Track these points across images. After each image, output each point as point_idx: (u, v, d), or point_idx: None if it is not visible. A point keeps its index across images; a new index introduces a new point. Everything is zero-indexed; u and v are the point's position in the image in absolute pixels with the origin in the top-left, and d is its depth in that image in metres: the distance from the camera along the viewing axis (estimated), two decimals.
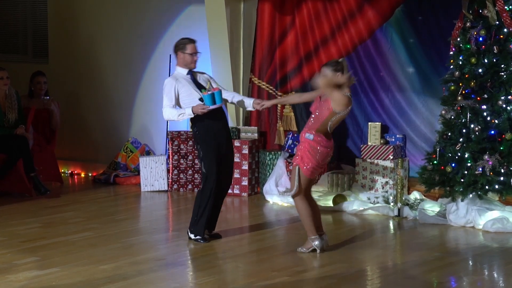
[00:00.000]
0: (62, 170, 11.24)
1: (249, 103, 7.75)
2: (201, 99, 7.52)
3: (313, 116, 7.25)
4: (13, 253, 7.27)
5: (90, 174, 11.34)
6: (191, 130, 7.97)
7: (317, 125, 7.19)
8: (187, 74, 7.71)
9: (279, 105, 10.16)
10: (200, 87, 7.66)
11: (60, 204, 9.46)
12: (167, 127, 10.56)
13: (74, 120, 11.50)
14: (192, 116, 7.49)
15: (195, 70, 7.77)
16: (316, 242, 7.29)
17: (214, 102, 7.46)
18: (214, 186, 7.58)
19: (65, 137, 11.20)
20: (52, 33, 11.74)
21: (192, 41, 7.73)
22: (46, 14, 11.77)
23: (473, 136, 8.41)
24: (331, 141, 7.26)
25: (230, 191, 9.87)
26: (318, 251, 7.30)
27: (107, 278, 6.53)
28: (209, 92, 7.46)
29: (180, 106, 7.61)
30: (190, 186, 10.20)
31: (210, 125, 7.58)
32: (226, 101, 7.80)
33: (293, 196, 7.28)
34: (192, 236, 7.68)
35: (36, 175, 9.99)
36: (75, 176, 11.42)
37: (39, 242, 7.69)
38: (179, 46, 7.72)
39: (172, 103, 7.58)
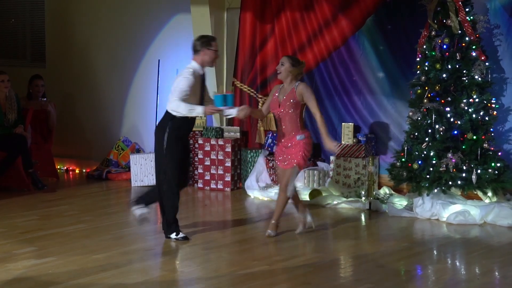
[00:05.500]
0: (58, 167, 11.17)
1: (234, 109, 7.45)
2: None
3: (284, 117, 7.32)
4: (12, 243, 7.25)
5: (84, 170, 11.29)
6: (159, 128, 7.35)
7: (298, 124, 7.27)
8: (202, 74, 7.25)
9: (259, 106, 10.13)
10: (203, 88, 7.31)
11: (56, 198, 9.42)
12: (155, 126, 10.50)
13: (70, 120, 11.45)
14: (203, 116, 7.03)
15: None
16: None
17: (224, 104, 7.12)
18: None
19: (61, 135, 11.14)
20: (49, 40, 11.69)
21: (216, 39, 7.34)
22: (44, 21, 11.72)
23: (437, 136, 8.44)
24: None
25: (214, 186, 9.92)
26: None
27: (100, 266, 6.51)
28: (222, 94, 7.16)
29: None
30: None
31: (183, 132, 7.27)
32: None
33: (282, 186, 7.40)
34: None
35: (34, 171, 9.93)
36: (70, 172, 11.37)
37: (37, 233, 7.65)
38: (205, 43, 7.20)
39: (184, 97, 7.04)
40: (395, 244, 7.40)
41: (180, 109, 7.06)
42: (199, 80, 7.23)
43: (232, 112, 7.34)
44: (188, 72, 7.16)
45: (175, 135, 7.21)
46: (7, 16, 12.08)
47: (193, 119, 7.31)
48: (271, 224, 7.53)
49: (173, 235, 7.38)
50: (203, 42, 7.25)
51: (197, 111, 7.09)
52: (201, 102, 7.27)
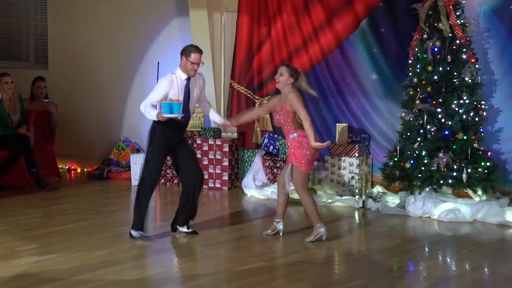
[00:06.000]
0: (60, 166, 11.16)
1: (220, 120, 7.58)
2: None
3: (283, 124, 7.33)
4: (16, 240, 7.26)
5: (85, 170, 11.28)
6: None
7: (292, 126, 7.25)
8: (185, 79, 7.23)
9: (256, 107, 10.16)
10: (189, 95, 7.26)
11: (58, 197, 9.43)
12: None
13: (72, 120, 11.44)
14: (155, 119, 6.99)
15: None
16: (322, 230, 7.27)
17: (171, 112, 6.95)
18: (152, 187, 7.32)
19: (63, 136, 11.13)
20: (51, 42, 11.69)
21: (198, 51, 7.26)
22: (47, 25, 11.72)
23: (429, 136, 8.46)
24: None
25: (211, 185, 9.94)
26: (324, 238, 7.26)
27: (101, 263, 6.53)
28: (170, 101, 7.02)
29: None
30: (176, 181, 10.18)
31: (169, 134, 7.22)
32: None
33: (297, 190, 7.32)
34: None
35: (37, 170, 9.95)
36: (72, 171, 11.36)
37: (39, 230, 7.67)
38: (186, 51, 7.20)
39: (156, 101, 7.10)
40: (387, 241, 7.42)
41: (143, 110, 7.09)
42: (179, 87, 7.18)
43: (218, 121, 7.57)
44: (166, 77, 7.20)
45: (162, 135, 7.18)
46: (10, 20, 12.09)
47: (178, 124, 7.23)
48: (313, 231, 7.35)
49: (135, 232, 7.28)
50: (185, 51, 7.25)
51: (152, 114, 7.04)
52: (185, 107, 7.18)
